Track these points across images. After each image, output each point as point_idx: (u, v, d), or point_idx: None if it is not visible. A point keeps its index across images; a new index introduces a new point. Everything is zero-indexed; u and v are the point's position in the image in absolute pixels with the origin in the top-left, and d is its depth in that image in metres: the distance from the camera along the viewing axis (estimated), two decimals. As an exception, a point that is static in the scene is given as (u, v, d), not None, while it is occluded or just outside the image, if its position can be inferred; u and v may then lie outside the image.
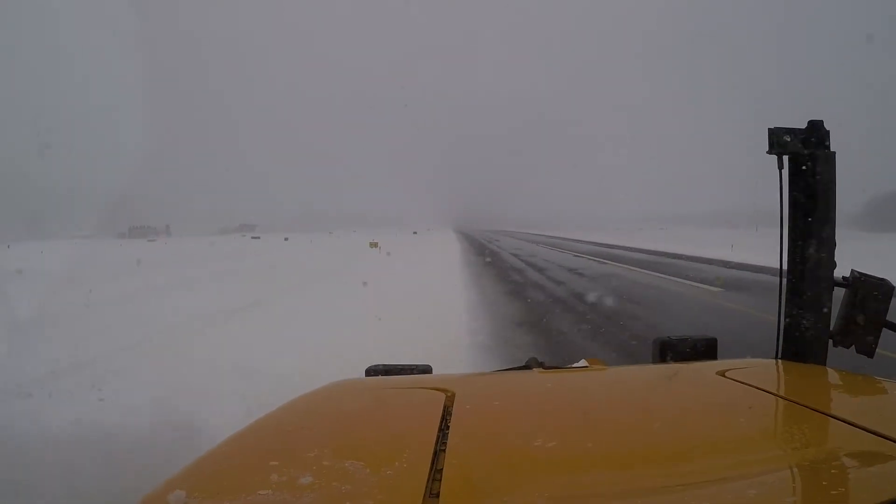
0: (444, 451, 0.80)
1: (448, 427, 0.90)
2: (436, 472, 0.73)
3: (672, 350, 1.51)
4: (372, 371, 1.49)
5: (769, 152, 1.34)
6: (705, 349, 1.52)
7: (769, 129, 1.34)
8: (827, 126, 1.35)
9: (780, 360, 1.36)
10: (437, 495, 0.67)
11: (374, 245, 23.22)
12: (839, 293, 1.35)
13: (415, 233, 67.82)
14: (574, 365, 1.42)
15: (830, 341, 1.34)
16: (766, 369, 1.30)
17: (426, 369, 1.48)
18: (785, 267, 1.37)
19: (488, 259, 20.55)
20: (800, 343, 1.34)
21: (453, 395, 1.08)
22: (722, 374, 1.17)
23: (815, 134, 1.34)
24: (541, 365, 1.44)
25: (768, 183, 1.32)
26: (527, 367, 1.47)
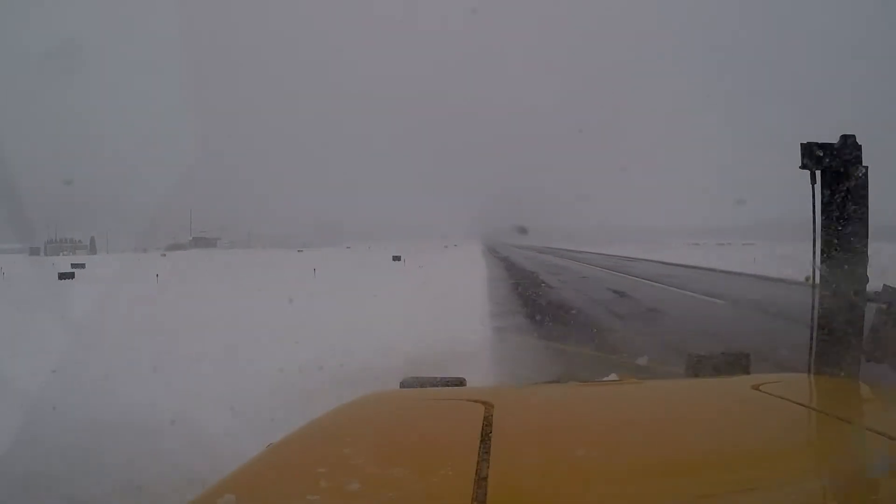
0: (486, 459, 0.82)
1: (490, 436, 0.91)
2: (480, 480, 0.75)
3: (705, 365, 1.51)
4: (407, 383, 1.49)
5: (802, 167, 1.35)
6: (738, 364, 1.52)
7: (801, 144, 1.34)
8: (860, 140, 1.35)
9: (812, 375, 1.36)
10: (484, 501, 0.69)
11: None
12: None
13: (396, 258, 26.70)
14: (606, 379, 1.42)
15: (863, 356, 1.33)
16: (799, 384, 1.30)
17: (460, 382, 1.48)
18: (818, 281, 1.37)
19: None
20: (833, 357, 1.34)
21: (492, 406, 1.09)
22: (756, 388, 1.17)
23: (848, 148, 1.34)
24: (574, 379, 1.44)
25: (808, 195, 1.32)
26: (559, 381, 1.48)
